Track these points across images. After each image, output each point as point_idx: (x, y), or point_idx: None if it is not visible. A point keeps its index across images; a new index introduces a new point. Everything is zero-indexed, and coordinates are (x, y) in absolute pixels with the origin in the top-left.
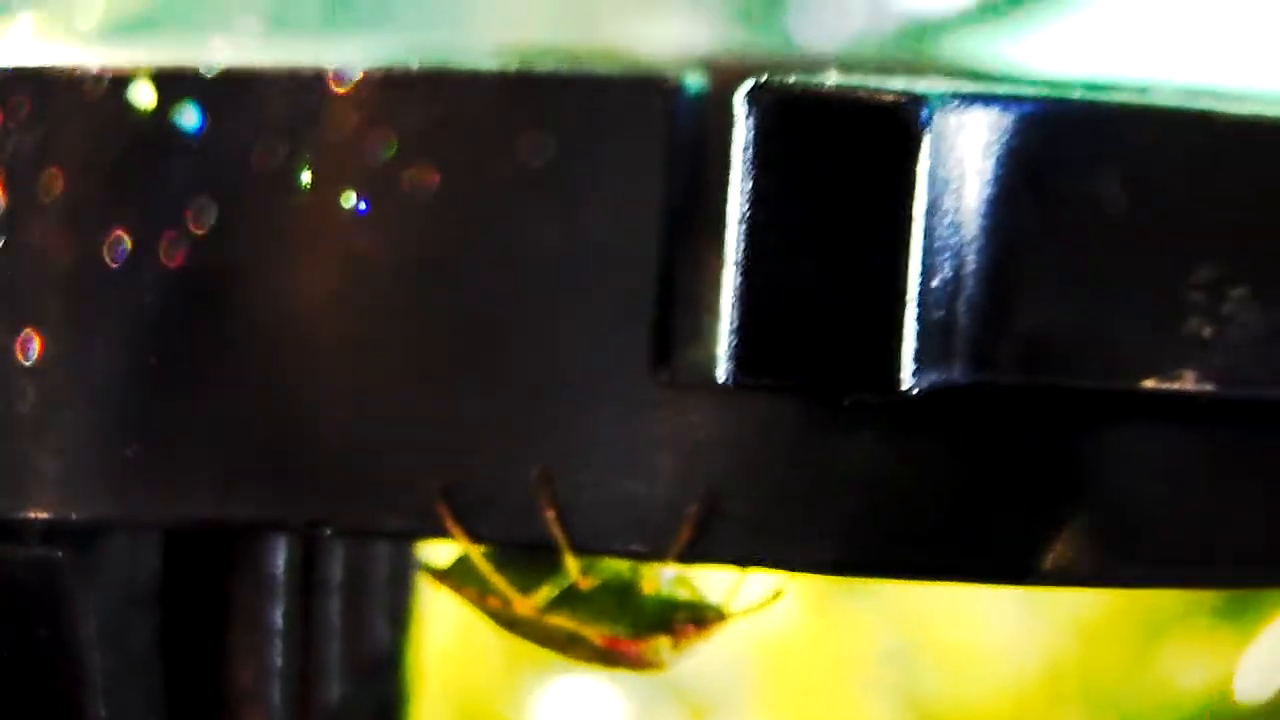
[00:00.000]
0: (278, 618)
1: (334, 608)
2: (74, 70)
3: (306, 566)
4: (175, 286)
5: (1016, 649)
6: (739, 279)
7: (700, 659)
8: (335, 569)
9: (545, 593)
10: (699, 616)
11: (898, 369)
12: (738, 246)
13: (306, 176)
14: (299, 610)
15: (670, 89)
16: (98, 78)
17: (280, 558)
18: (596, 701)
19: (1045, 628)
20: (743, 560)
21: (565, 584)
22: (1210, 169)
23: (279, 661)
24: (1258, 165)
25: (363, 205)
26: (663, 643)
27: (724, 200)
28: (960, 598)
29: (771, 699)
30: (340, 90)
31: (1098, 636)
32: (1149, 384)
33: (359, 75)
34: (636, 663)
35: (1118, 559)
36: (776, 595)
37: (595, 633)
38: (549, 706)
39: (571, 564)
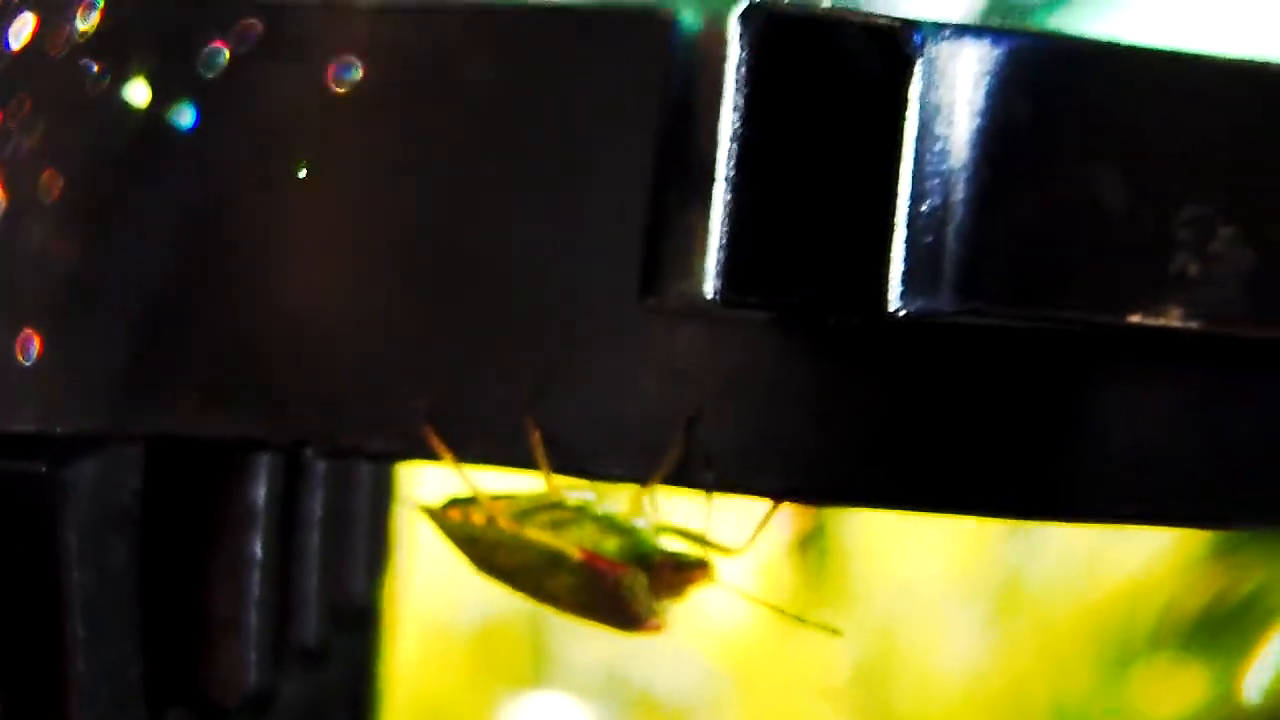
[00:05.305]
0: (257, 547)
1: (313, 543)
2: None
3: (287, 500)
4: (158, 196)
5: (984, 672)
6: (729, 196)
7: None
8: (315, 505)
9: (525, 501)
10: (680, 561)
11: (885, 291)
12: (729, 163)
13: (294, 83)
14: (278, 541)
15: (666, 20)
16: None
17: (262, 488)
18: (564, 715)
19: (1013, 651)
20: (727, 486)
21: (549, 502)
22: (1201, 109)
23: (257, 591)
24: (1247, 108)
25: (348, 120)
26: (640, 579)
27: (716, 126)
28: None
29: (741, 717)
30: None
31: (1066, 662)
32: (1135, 319)
33: None
34: (613, 593)
35: (1103, 497)
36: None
37: (576, 547)
38: None
39: (554, 485)
